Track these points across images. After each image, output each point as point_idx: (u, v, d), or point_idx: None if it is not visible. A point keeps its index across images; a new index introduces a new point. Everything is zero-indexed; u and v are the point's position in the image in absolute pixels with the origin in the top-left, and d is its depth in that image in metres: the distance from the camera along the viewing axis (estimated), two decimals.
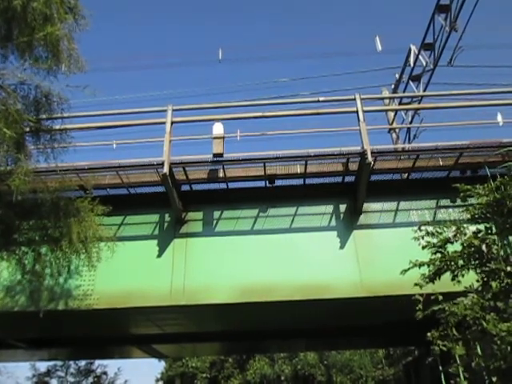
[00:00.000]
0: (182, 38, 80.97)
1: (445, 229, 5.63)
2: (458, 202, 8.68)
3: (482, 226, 5.62)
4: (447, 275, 5.55)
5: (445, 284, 5.40)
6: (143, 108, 9.34)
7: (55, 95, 6.10)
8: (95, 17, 6.31)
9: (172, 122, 8.63)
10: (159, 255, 8.92)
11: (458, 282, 5.48)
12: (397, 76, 17.31)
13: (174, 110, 8.76)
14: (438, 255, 5.54)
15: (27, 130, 6.21)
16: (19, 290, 8.49)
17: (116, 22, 74.43)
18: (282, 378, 27.86)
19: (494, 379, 4.58)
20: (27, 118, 5.94)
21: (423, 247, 5.62)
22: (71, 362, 28.93)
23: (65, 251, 6.46)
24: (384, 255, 8.59)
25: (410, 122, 16.28)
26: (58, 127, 6.43)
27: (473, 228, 5.64)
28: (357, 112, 8.60)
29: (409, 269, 5.53)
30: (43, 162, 6.44)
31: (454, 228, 5.58)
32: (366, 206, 9.10)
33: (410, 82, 15.98)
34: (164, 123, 8.63)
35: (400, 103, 16.96)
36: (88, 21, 6.16)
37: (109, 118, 9.27)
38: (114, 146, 9.65)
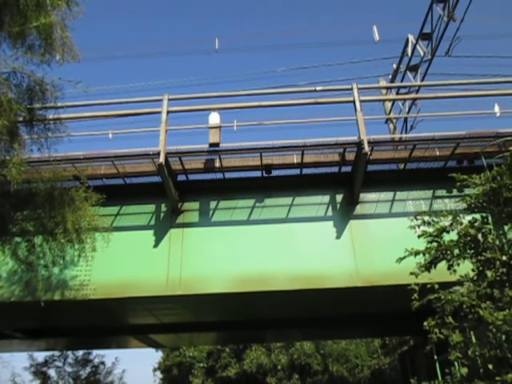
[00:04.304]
0: (177, 27, 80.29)
1: (441, 218, 5.63)
2: (455, 191, 8.72)
3: (478, 216, 5.62)
4: (443, 265, 5.55)
5: (440, 274, 5.40)
6: (139, 97, 9.25)
7: (49, 84, 6.01)
8: (91, 5, 6.21)
9: (168, 112, 8.57)
10: (155, 245, 8.92)
11: (454, 271, 5.49)
12: (394, 66, 17.23)
13: (169, 100, 8.69)
14: (434, 244, 5.54)
15: (20, 119, 6.13)
16: (15, 280, 8.48)
17: (112, 11, 73.59)
18: (279, 367, 27.98)
19: (491, 367, 4.61)
20: (20, 108, 5.86)
21: (419, 236, 5.62)
22: (69, 352, 28.99)
23: (59, 241, 6.42)
24: (380, 245, 8.61)
25: (407, 113, 16.24)
26: (51, 116, 6.35)
27: (469, 217, 5.64)
28: (354, 102, 8.56)
29: (405, 257, 5.53)
30: (37, 151, 6.39)
31: (450, 217, 5.57)
32: (363, 196, 9.10)
33: (408, 72, 15.90)
34: (160, 113, 8.57)
35: (397, 93, 16.93)
36: (81, 8, 6.05)
37: (104, 108, 9.17)
38: (110, 135, 9.59)
